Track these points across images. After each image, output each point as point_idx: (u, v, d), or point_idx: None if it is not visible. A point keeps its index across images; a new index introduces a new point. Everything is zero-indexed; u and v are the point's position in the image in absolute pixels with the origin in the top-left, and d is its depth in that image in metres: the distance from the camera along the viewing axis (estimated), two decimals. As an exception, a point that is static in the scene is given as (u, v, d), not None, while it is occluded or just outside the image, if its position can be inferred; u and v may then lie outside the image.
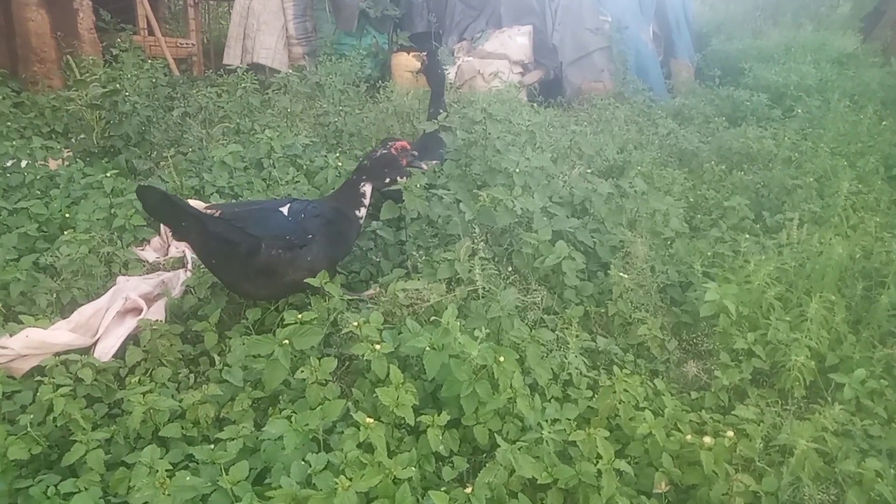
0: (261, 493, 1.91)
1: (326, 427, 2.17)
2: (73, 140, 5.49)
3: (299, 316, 2.52)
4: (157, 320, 2.89)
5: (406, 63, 8.35)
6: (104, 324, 2.93)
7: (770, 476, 2.18)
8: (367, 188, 3.24)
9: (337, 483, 1.83)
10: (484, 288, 2.85)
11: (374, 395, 2.24)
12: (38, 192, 4.17)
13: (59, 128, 5.87)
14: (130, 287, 3.18)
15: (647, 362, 2.92)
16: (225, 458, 2.02)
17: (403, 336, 2.50)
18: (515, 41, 8.32)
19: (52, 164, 4.68)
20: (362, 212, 3.26)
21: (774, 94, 7.78)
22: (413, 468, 1.98)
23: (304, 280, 2.86)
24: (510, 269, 3.12)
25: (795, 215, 3.85)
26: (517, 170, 3.55)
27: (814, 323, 2.81)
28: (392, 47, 8.83)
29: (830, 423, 2.28)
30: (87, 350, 2.82)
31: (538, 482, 2.07)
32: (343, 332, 2.71)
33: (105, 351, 2.82)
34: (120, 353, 2.81)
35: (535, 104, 6.73)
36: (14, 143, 4.63)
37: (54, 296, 3.17)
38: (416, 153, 3.33)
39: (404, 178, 3.36)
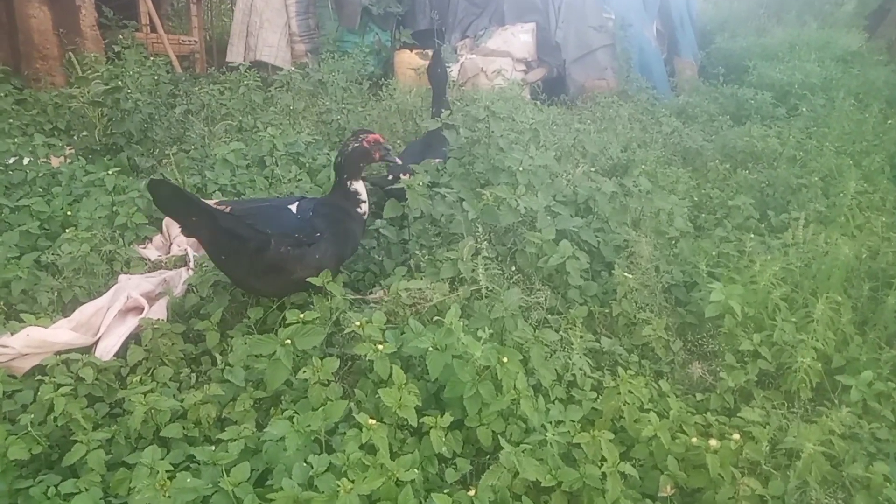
0: (262, 495, 1.89)
1: (328, 428, 2.15)
2: (75, 137, 5.48)
3: (301, 315, 2.50)
4: (158, 319, 2.88)
5: (409, 60, 8.32)
6: (105, 323, 2.92)
7: (776, 480, 2.16)
8: (356, 184, 3.21)
9: (339, 485, 1.81)
10: (487, 287, 2.83)
11: (377, 395, 2.22)
12: (40, 190, 4.16)
13: (61, 125, 5.87)
14: (132, 285, 3.16)
15: (652, 363, 2.90)
16: (226, 460, 2.00)
17: (406, 336, 2.48)
18: (519, 39, 8.29)
19: (55, 162, 4.67)
20: (364, 208, 3.24)
21: (779, 92, 7.75)
22: (416, 470, 1.97)
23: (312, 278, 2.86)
24: (514, 268, 3.10)
25: (801, 215, 3.82)
26: (521, 168, 3.53)
27: (820, 324, 2.79)
28: (395, 44, 8.80)
29: (837, 426, 2.26)
30: (88, 349, 2.81)
31: (542, 485, 2.06)
32: (345, 331, 2.70)
33: (106, 350, 2.80)
34: (121, 353, 2.80)
35: (538, 102, 6.71)
36: (16, 140, 4.62)
37: (56, 294, 3.16)
38: (389, 146, 3.28)
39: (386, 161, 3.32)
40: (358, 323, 2.48)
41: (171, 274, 3.41)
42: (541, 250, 3.12)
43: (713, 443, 2.16)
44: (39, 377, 2.47)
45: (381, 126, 5.76)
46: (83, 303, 3.06)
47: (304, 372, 2.33)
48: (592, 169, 4.13)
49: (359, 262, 3.56)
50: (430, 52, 6.80)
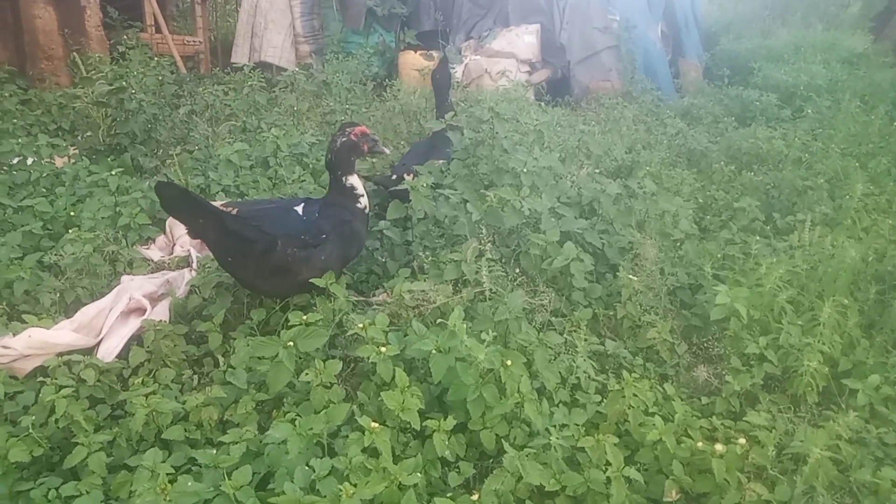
0: (264, 499, 1.88)
1: (331, 431, 2.13)
2: (79, 138, 5.49)
3: (304, 317, 2.49)
4: (161, 320, 2.87)
5: (413, 61, 8.32)
6: (108, 324, 2.91)
7: (783, 485, 2.14)
8: (351, 179, 3.19)
9: (341, 489, 1.79)
10: (491, 290, 2.82)
11: (380, 398, 2.21)
12: (44, 190, 4.16)
13: (65, 125, 5.88)
14: (135, 286, 3.15)
15: (657, 366, 2.88)
16: (228, 462, 1.99)
17: (409, 338, 2.47)
18: (523, 40, 8.28)
19: (58, 162, 4.67)
20: (363, 202, 3.22)
21: (784, 94, 7.72)
22: (419, 474, 1.96)
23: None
24: (517, 270, 3.09)
25: (807, 217, 3.80)
26: (525, 170, 3.52)
27: (826, 327, 2.76)
28: (399, 45, 8.80)
29: (844, 431, 2.23)
30: (90, 350, 2.80)
31: (546, 489, 2.04)
32: (348, 333, 2.68)
33: (108, 351, 2.79)
34: (123, 354, 2.79)
35: (542, 103, 6.69)
36: (20, 140, 4.63)
37: (58, 295, 3.16)
38: (377, 138, 3.26)
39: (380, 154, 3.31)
40: (361, 325, 2.47)
41: (174, 275, 3.40)
42: (545, 252, 3.10)
43: (719, 447, 2.14)
44: (41, 378, 2.46)
45: (384, 127, 5.75)
46: (85, 304, 3.06)
47: (307, 374, 2.31)
48: (597, 170, 4.12)
49: (362, 264, 3.55)
50: (435, 54, 6.77)
